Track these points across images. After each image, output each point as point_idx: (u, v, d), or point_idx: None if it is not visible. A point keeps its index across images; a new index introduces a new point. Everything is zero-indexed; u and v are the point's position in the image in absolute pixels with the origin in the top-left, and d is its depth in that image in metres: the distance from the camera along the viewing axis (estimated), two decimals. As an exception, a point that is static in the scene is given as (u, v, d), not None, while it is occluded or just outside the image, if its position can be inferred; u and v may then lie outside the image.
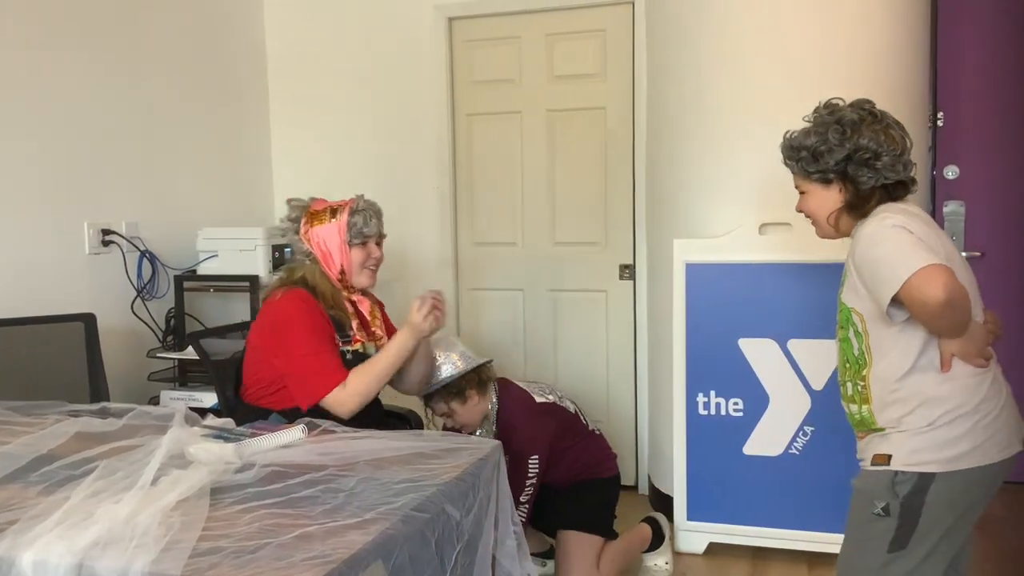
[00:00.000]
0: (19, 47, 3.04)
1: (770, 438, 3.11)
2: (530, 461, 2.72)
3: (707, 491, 3.21)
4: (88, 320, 2.95)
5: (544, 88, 4.03)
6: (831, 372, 2.94)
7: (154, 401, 3.34)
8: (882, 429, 1.93)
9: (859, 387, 1.96)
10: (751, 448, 3.14)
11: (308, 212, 2.56)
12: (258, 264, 3.50)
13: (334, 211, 2.53)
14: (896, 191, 1.95)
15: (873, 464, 1.91)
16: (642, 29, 3.77)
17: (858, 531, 1.96)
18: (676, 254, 3.21)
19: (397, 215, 4.17)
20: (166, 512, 1.51)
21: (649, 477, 3.82)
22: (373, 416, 2.49)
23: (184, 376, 3.48)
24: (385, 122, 4.21)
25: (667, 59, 3.46)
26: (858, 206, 1.94)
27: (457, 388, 2.73)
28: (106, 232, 3.38)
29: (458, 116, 4.15)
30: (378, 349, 2.51)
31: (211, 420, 2.18)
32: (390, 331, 2.64)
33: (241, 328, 2.97)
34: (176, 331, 3.57)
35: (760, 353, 3.10)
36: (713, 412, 3.18)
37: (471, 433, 2.81)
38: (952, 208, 3.90)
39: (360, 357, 2.47)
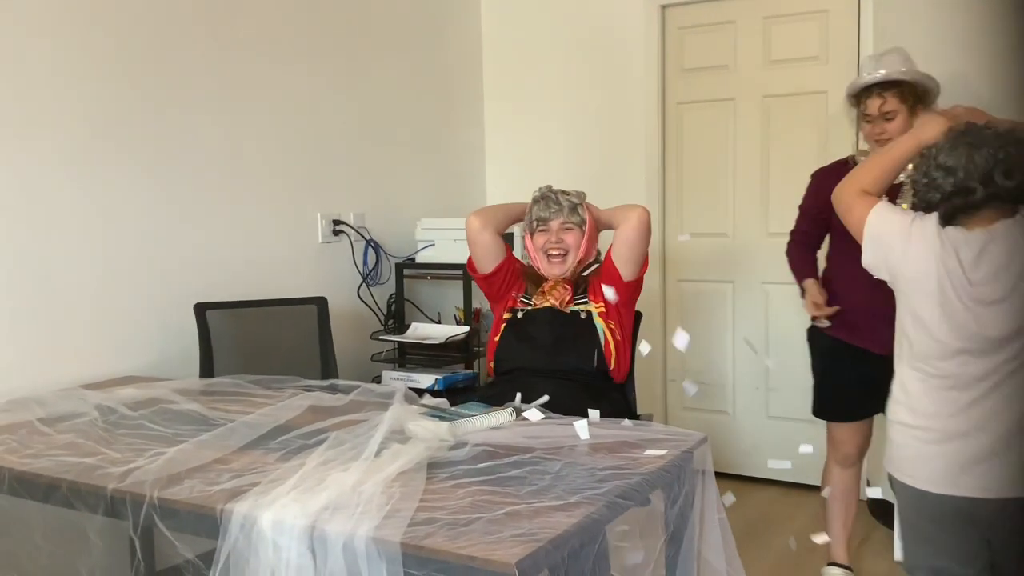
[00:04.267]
0: (260, 62, 3.32)
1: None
2: None
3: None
4: (320, 303, 3.18)
5: (760, 73, 3.89)
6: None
7: (376, 380, 3.54)
8: None
9: None
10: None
11: None
12: (471, 253, 3.62)
13: None
14: None
15: None
16: (869, 7, 3.55)
17: None
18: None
19: (604, 204, 4.18)
20: (388, 482, 1.60)
21: (867, 481, 3.60)
22: (620, 410, 2.49)
23: (403, 358, 3.67)
24: (594, 113, 4.23)
25: (898, 37, 3.23)
26: None
27: (920, 95, 2.61)
28: (336, 222, 3.64)
29: (668, 105, 4.10)
30: (556, 305, 2.61)
31: (428, 400, 2.29)
32: (609, 305, 2.64)
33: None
34: (396, 315, 3.78)
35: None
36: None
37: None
38: None
39: (529, 315, 2.63)
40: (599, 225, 2.73)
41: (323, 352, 3.15)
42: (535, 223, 2.67)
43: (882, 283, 2.27)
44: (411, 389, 2.39)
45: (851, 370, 2.77)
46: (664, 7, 4.04)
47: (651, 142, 4.10)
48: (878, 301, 2.49)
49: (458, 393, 3.18)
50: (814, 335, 2.93)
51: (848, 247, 2.39)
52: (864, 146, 2.88)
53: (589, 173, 4.15)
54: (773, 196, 3.89)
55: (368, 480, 1.60)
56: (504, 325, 2.68)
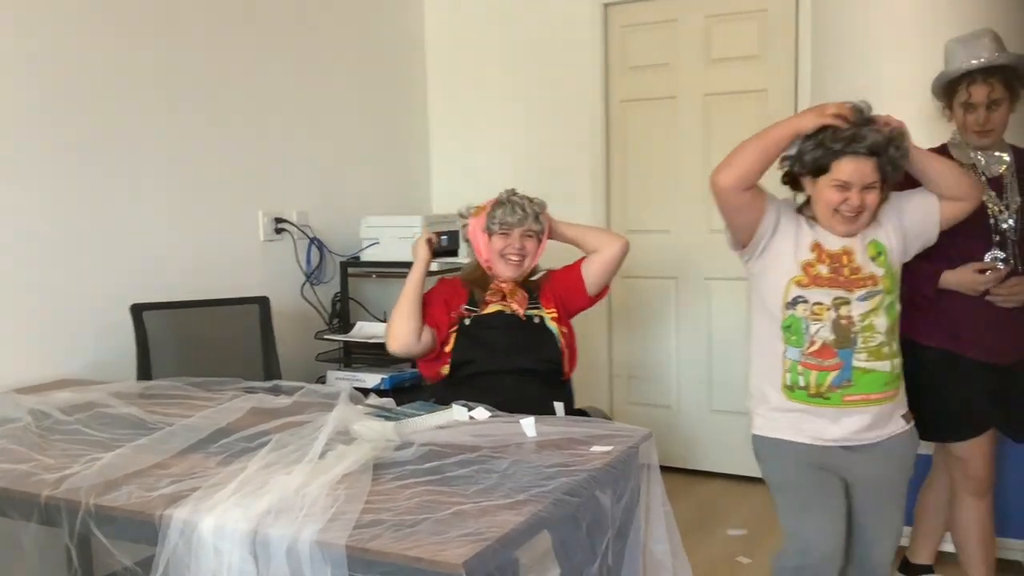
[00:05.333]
0: (199, 58, 3.26)
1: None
2: None
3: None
4: (263, 303, 3.14)
5: (701, 72, 3.94)
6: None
7: (321, 380, 3.51)
8: (900, 381, 2.16)
9: (898, 339, 2.16)
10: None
11: (476, 208, 2.74)
12: (417, 251, 3.60)
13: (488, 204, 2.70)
14: None
15: (907, 423, 2.19)
16: (807, 7, 3.62)
17: (903, 498, 2.24)
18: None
19: (549, 202, 4.16)
20: (332, 484, 1.58)
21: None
22: (570, 404, 2.56)
23: (348, 357, 3.64)
24: (539, 110, 4.24)
25: (835, 39, 3.30)
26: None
27: (1022, 79, 2.44)
28: (278, 220, 3.58)
29: (612, 103, 4.13)
30: (514, 313, 2.64)
31: (373, 399, 2.28)
32: (561, 310, 2.70)
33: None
34: (341, 314, 3.75)
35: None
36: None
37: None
38: None
39: (478, 322, 2.62)
40: (561, 239, 2.78)
41: (265, 353, 3.11)
42: (498, 225, 2.66)
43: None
44: (356, 389, 2.38)
45: (967, 381, 2.48)
46: (607, 5, 4.06)
47: (595, 139, 4.13)
48: (981, 305, 2.44)
49: (405, 393, 3.16)
50: (909, 348, 2.44)
51: (947, 248, 2.31)
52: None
53: (535, 170, 4.16)
54: (715, 193, 3.94)
55: (312, 482, 1.58)
56: (456, 333, 2.66)
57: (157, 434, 1.98)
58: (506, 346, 2.61)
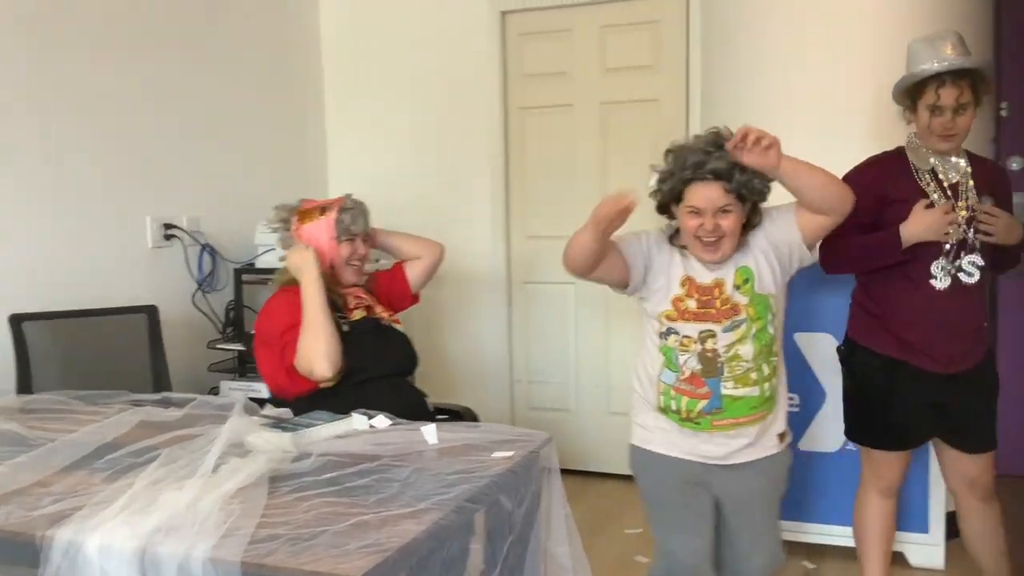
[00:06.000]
0: (85, 47, 3.13)
1: (826, 434, 3.06)
2: None
3: (761, 487, 3.16)
4: (151, 312, 3.04)
5: (597, 81, 4.01)
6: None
7: (214, 391, 3.41)
8: (773, 403, 2.17)
9: (772, 362, 2.15)
10: (806, 444, 3.09)
11: (298, 211, 2.68)
12: (314, 257, 3.54)
13: (323, 209, 2.65)
14: None
15: (781, 443, 2.23)
16: (697, 20, 3.73)
17: (775, 513, 2.30)
18: (730, 247, 3.17)
19: (449, 209, 4.22)
20: (226, 499, 1.55)
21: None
22: (418, 416, 2.51)
23: (243, 367, 3.54)
24: (437, 116, 4.24)
25: (723, 51, 3.42)
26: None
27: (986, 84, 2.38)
28: (168, 226, 3.47)
29: (510, 110, 4.16)
30: (378, 319, 2.62)
31: (269, 410, 2.23)
32: (397, 308, 2.78)
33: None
34: (235, 323, 3.65)
35: (816, 348, 3.04)
36: (768, 407, 3.13)
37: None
38: (1019, 200, 3.78)
39: (356, 327, 2.55)
40: (380, 247, 2.84)
41: (154, 364, 3.01)
42: (346, 232, 2.64)
43: (935, 293, 2.39)
44: (252, 399, 2.32)
45: (910, 393, 2.46)
46: (504, 13, 4.09)
47: (494, 146, 4.15)
48: (932, 312, 2.40)
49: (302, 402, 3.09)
50: (857, 352, 2.57)
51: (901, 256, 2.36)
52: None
53: (434, 176, 4.16)
54: (611, 200, 4.01)
55: (204, 498, 1.54)
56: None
57: (38, 451, 1.89)
58: (386, 351, 2.62)
